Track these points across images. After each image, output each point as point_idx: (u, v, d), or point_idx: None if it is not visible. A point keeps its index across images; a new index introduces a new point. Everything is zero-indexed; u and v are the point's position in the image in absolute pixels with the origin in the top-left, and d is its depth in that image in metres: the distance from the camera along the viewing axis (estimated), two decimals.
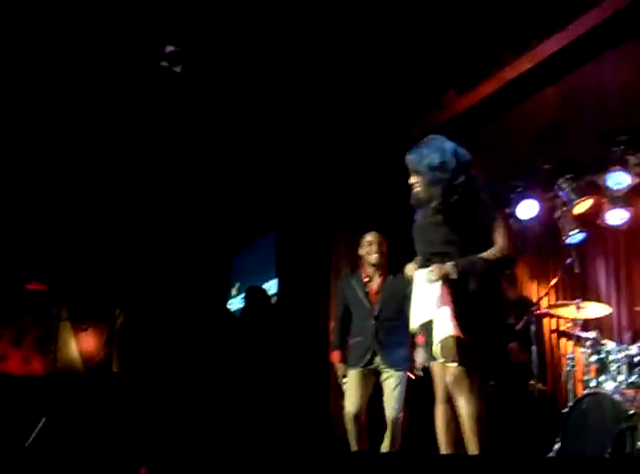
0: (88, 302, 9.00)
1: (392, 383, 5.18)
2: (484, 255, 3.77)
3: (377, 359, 5.21)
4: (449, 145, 3.93)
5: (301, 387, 7.19)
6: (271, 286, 8.86)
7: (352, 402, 5.22)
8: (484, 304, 3.72)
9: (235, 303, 10.00)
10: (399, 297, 4.91)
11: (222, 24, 5.64)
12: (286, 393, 6.86)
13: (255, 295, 7.40)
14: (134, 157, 7.54)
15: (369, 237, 5.34)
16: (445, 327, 3.62)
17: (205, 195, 8.50)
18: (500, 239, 3.83)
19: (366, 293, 5.31)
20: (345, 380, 5.32)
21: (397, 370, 5.18)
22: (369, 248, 5.31)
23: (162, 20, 5.66)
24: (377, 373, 5.27)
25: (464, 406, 3.61)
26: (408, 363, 5.09)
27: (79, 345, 9.26)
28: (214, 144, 7.41)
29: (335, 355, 5.48)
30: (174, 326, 8.92)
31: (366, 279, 5.34)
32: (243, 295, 9.01)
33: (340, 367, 5.42)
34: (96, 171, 7.78)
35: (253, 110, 6.77)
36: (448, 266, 3.70)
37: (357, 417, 5.16)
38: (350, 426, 5.21)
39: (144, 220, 8.75)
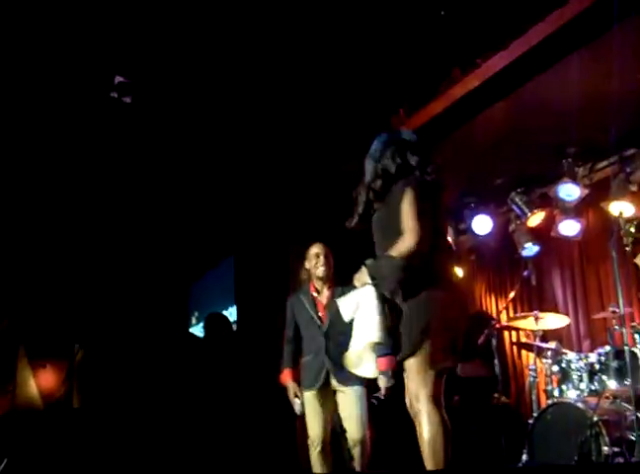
0: (46, 339, 8.83)
1: (350, 401, 4.78)
2: (389, 252, 3.33)
3: (332, 378, 4.83)
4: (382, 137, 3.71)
5: (264, 414, 7.12)
6: (230, 313, 8.80)
7: (314, 428, 4.86)
8: (395, 310, 3.40)
9: (195, 332, 9.91)
10: None
11: (173, 54, 5.62)
12: (250, 421, 6.79)
13: (215, 322, 7.34)
14: (87, 188, 7.45)
15: (315, 249, 5.07)
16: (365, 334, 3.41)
17: (161, 225, 8.43)
18: (405, 229, 3.30)
19: (315, 308, 4.98)
20: (298, 402, 4.92)
21: (353, 386, 4.74)
22: (316, 260, 5.02)
23: (111, 51, 5.61)
24: (335, 393, 4.88)
25: (420, 427, 3.26)
26: (364, 379, 4.53)
27: (38, 382, 9.07)
28: (167, 176, 7.36)
29: (285, 374, 5.04)
30: (134, 358, 8.81)
31: (315, 294, 5.03)
32: (202, 323, 8.94)
33: (291, 386, 4.97)
34: (51, 206, 7.67)
35: (206, 139, 6.75)
36: (363, 271, 3.43)
37: (322, 444, 4.81)
38: (314, 454, 4.85)
39: (100, 253, 8.64)
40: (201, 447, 7.08)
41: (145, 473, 7.02)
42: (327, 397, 4.88)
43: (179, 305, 10.10)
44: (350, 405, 4.79)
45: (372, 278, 3.37)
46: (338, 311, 4.43)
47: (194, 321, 10.08)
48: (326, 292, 5.01)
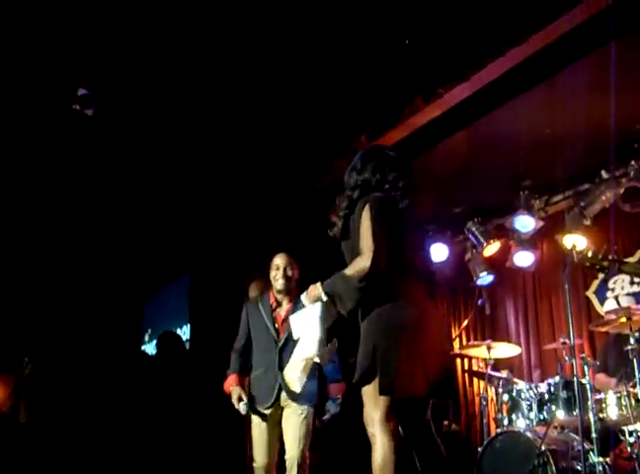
0: None
1: (296, 418, 4.49)
2: (344, 271, 3.29)
3: (283, 395, 4.51)
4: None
5: (216, 435, 7.06)
6: (184, 332, 8.74)
7: (259, 453, 4.57)
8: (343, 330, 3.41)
9: (148, 350, 9.80)
10: None
11: (133, 70, 5.60)
12: (201, 441, 6.73)
13: (167, 340, 7.27)
14: (39, 202, 7.36)
15: (277, 260, 4.78)
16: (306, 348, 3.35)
17: (115, 242, 8.35)
18: (362, 247, 3.25)
19: (273, 320, 4.68)
20: (242, 403, 4.52)
21: (302, 404, 4.49)
22: (276, 272, 4.74)
23: (73, 63, 5.58)
24: (282, 409, 4.57)
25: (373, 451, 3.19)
26: (315, 399, 4.54)
27: None
28: (123, 191, 7.31)
29: (230, 380, 4.70)
30: (84, 374, 8.69)
31: (274, 305, 4.74)
32: (155, 341, 8.86)
33: (235, 390, 4.60)
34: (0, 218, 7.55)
35: (160, 155, 6.73)
36: (318, 286, 3.35)
37: (266, 470, 4.52)
38: None
39: (51, 266, 8.52)
40: (150, 466, 6.99)
41: None
42: (277, 418, 4.57)
43: (132, 322, 9.98)
44: (293, 422, 4.49)
45: (328, 295, 3.30)
46: None
47: (147, 338, 9.97)
48: (286, 306, 4.71)
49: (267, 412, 4.55)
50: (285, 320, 4.55)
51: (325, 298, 3.30)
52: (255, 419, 4.60)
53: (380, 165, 3.50)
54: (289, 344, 4.32)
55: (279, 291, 4.74)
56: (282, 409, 4.55)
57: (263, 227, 7.61)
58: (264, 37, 5.17)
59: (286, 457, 4.45)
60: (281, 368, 4.37)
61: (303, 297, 3.40)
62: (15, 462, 6.70)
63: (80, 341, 8.87)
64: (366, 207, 3.29)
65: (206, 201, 7.45)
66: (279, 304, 4.75)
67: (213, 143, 6.46)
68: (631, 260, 6.09)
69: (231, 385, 4.65)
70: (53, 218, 7.65)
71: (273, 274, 4.76)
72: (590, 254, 4.47)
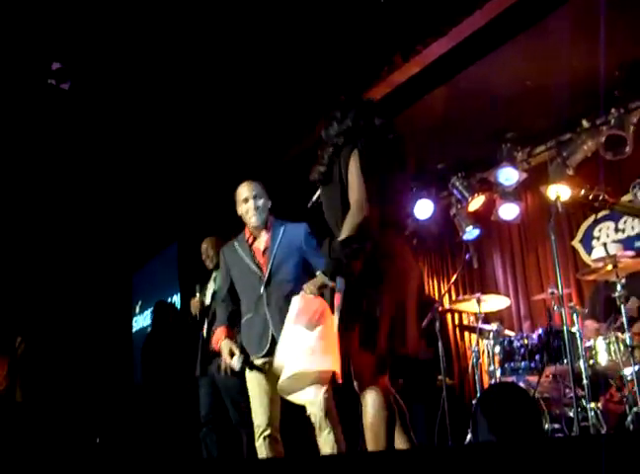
0: None
1: None
2: (339, 239, 3.07)
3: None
4: None
5: None
6: (174, 302, 8.75)
7: (259, 413, 3.97)
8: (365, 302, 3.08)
9: (139, 321, 9.83)
10: (295, 251, 4.02)
11: (109, 41, 5.54)
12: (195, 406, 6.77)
13: (162, 310, 7.30)
14: (24, 177, 7.31)
15: (242, 191, 4.19)
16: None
17: (102, 214, 8.32)
18: (352, 202, 3.10)
19: (253, 256, 4.11)
20: (235, 357, 3.95)
21: None
22: (245, 206, 4.15)
23: (47, 37, 5.50)
24: None
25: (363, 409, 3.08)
26: None
27: None
28: (109, 163, 7.27)
29: (218, 333, 4.13)
30: (77, 350, 8.71)
31: (250, 240, 4.18)
32: (149, 311, 8.89)
33: (225, 344, 4.00)
34: None
35: (145, 126, 6.68)
36: (317, 279, 3.11)
37: (269, 430, 3.94)
38: (258, 442, 3.98)
39: (41, 243, 8.50)
40: (147, 437, 7.05)
41: (88, 466, 6.97)
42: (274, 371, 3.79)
43: (122, 294, 10.00)
44: None
45: (333, 277, 3.05)
46: (282, 256, 4.00)
47: (137, 310, 9.99)
48: (264, 236, 4.15)
49: (261, 362, 3.96)
50: (266, 251, 4.10)
51: (330, 282, 3.05)
52: (250, 374, 4.02)
53: (363, 111, 3.38)
54: (275, 277, 4.00)
55: (255, 227, 4.15)
56: None
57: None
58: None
59: (308, 414, 3.79)
60: (269, 306, 3.94)
61: (302, 295, 3.11)
62: (13, 441, 6.74)
63: (72, 316, 8.88)
64: (355, 156, 3.17)
65: (191, 170, 7.42)
66: (255, 239, 4.18)
67: (197, 113, 6.43)
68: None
69: (220, 339, 4.08)
70: (40, 195, 7.61)
71: (242, 209, 4.17)
72: (582, 193, 4.46)
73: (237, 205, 4.21)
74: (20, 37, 5.40)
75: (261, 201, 4.13)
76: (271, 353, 3.71)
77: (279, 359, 3.15)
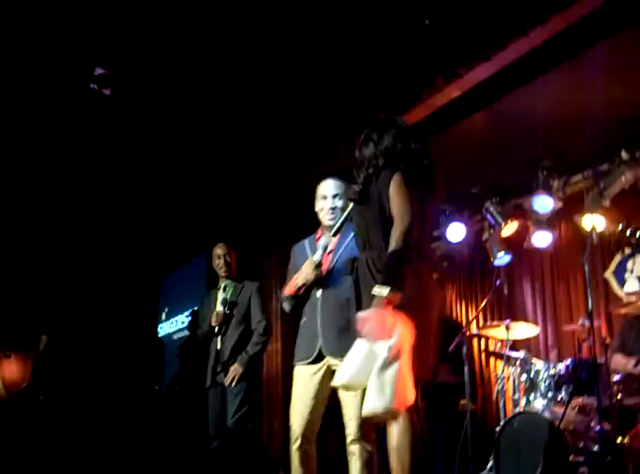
0: (11, 329, 8.77)
1: None
2: (390, 250, 3.09)
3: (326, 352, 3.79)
4: None
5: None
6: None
7: (293, 417, 3.80)
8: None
9: (165, 327, 9.88)
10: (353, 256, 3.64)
11: (151, 47, 5.60)
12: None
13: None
14: (56, 179, 7.40)
15: (323, 189, 4.08)
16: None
17: (134, 218, 8.40)
18: (396, 214, 3.15)
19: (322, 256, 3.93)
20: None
21: None
22: (323, 203, 4.04)
23: (90, 42, 5.58)
24: (333, 372, 3.61)
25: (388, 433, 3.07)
26: None
27: (2, 373, 9.01)
28: (142, 169, 7.34)
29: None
30: (101, 351, 8.77)
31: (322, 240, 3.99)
32: (175, 318, 8.94)
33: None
34: (16, 196, 7.60)
35: (182, 133, 6.75)
36: (378, 292, 3.03)
37: (301, 441, 3.72)
38: (292, 451, 3.76)
39: (71, 243, 8.58)
40: (169, 439, 7.07)
41: (110, 464, 7.01)
42: (320, 376, 3.80)
43: (149, 300, 10.06)
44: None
45: (390, 286, 2.99)
46: (344, 259, 3.78)
47: (163, 317, 10.04)
48: (335, 238, 3.98)
49: (308, 368, 3.83)
50: (330, 253, 3.95)
51: (387, 292, 3.00)
52: (296, 372, 3.90)
53: (400, 134, 3.43)
54: (334, 281, 3.84)
55: (327, 227, 4.01)
56: (333, 371, 3.65)
57: (279, 209, 7.64)
58: (271, 19, 5.17)
59: (347, 435, 3.70)
60: (323, 310, 3.82)
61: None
62: (34, 438, 6.81)
63: (97, 318, 8.95)
64: (398, 178, 3.21)
65: (225, 184, 7.48)
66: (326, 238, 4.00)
67: (235, 125, 6.48)
68: None
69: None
70: (73, 195, 7.70)
71: (319, 205, 4.05)
72: (620, 228, 4.43)
73: (316, 200, 4.10)
74: (64, 39, 5.47)
75: (340, 202, 3.96)
76: (318, 360, 3.76)
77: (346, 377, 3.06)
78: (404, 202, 3.14)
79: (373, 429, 3.69)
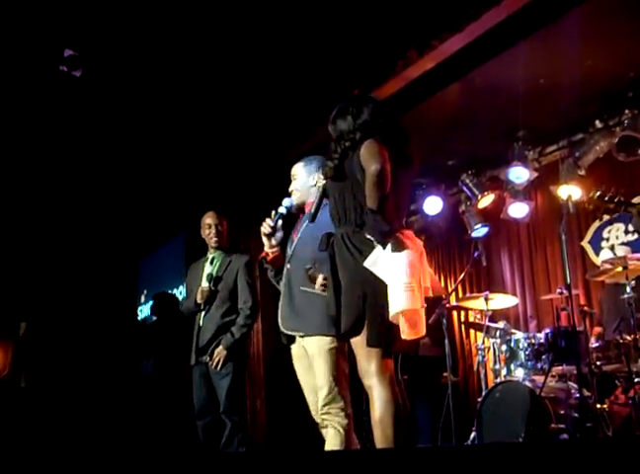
0: None
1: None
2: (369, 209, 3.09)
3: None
4: None
5: None
6: (180, 292, 8.75)
7: (306, 390, 3.84)
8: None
9: (144, 310, 9.84)
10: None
11: (122, 28, 5.52)
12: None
13: (163, 301, 7.31)
14: (36, 163, 7.30)
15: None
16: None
17: (111, 202, 8.32)
18: (366, 168, 3.12)
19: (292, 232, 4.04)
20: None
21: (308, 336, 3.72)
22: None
23: (60, 24, 5.49)
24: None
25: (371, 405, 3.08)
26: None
27: None
28: (119, 151, 7.26)
29: None
30: (81, 336, 8.72)
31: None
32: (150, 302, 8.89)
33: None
34: None
35: (158, 112, 6.67)
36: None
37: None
38: (321, 425, 3.73)
39: (47, 228, 8.49)
40: (150, 426, 7.05)
41: (92, 448, 6.99)
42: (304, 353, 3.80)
43: (127, 283, 10.00)
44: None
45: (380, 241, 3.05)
46: (309, 230, 3.79)
47: (142, 299, 9.99)
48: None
49: (292, 348, 3.88)
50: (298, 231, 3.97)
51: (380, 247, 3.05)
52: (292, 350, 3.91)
53: (379, 109, 3.39)
54: (297, 254, 3.85)
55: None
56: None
57: (258, 187, 7.59)
58: None
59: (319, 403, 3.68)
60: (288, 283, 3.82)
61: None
62: (17, 425, 6.76)
63: (77, 302, 8.89)
64: (370, 141, 3.18)
65: (201, 162, 7.41)
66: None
67: (208, 104, 6.41)
68: None
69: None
70: (48, 179, 7.60)
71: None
72: (597, 195, 4.45)
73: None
74: (33, 22, 5.38)
75: (298, 184, 3.99)
76: (292, 340, 3.78)
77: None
78: (377, 160, 3.08)
79: (347, 390, 3.69)
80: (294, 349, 3.85)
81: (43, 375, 7.93)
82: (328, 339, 3.61)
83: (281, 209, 3.87)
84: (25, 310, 8.52)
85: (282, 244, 3.97)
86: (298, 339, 3.78)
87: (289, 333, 3.78)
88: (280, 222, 3.87)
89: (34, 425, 7.04)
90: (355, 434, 3.72)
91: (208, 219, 5.30)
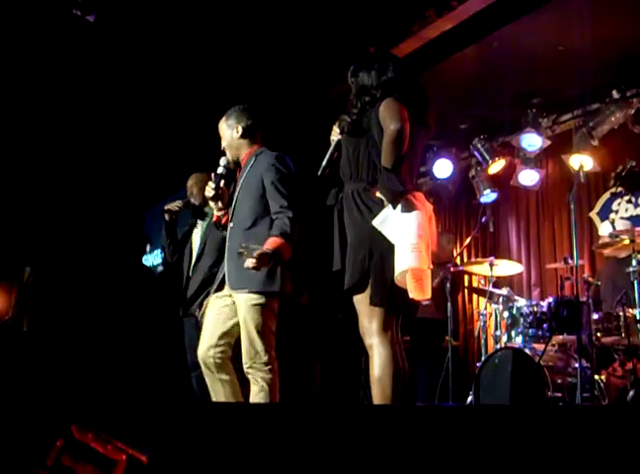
0: None
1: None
2: (385, 168, 3.10)
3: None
4: None
5: None
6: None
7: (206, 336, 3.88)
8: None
9: (150, 259, 9.86)
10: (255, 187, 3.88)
11: None
12: None
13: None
14: (44, 113, 7.27)
15: None
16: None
17: (117, 151, 8.29)
18: (385, 125, 3.10)
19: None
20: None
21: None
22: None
23: None
24: None
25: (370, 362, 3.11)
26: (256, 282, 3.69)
27: None
28: (131, 98, 7.21)
29: None
30: (85, 281, 8.76)
31: None
32: (159, 251, 8.92)
33: None
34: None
35: (168, 60, 6.61)
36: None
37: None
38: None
39: (54, 175, 8.49)
40: (155, 369, 7.11)
41: (94, 396, 7.05)
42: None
43: (133, 231, 10.01)
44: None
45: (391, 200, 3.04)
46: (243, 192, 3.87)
47: (147, 249, 10.00)
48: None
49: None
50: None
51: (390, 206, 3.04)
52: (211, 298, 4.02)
53: (403, 68, 3.35)
54: (237, 205, 3.89)
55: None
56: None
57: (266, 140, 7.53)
58: None
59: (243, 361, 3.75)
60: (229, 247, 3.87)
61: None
62: (19, 370, 6.81)
63: (82, 248, 8.91)
64: (390, 100, 3.14)
65: (208, 115, 7.35)
66: None
67: (223, 55, 6.33)
68: None
69: None
70: (55, 127, 7.57)
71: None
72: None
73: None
74: None
75: (225, 141, 4.04)
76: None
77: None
78: (397, 119, 3.05)
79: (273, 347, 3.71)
80: (214, 297, 3.87)
81: (47, 320, 7.98)
82: (256, 295, 3.64)
83: (220, 170, 3.93)
84: (29, 254, 8.54)
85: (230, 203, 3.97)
86: (226, 290, 3.81)
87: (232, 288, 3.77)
88: (222, 182, 3.92)
89: (36, 369, 7.10)
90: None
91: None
